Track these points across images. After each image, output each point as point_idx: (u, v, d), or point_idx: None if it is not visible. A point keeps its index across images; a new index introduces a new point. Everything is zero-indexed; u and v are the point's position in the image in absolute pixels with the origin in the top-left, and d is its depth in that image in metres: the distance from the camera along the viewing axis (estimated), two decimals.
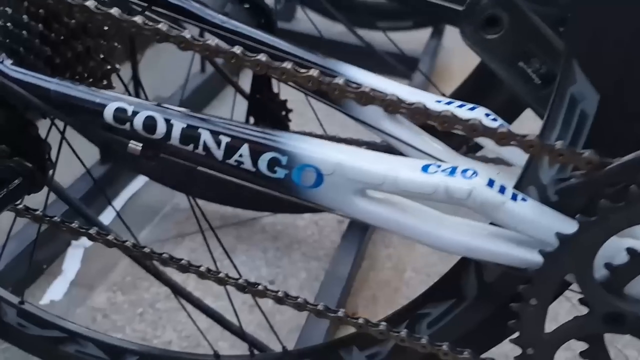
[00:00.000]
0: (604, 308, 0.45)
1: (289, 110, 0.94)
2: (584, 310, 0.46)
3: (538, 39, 0.51)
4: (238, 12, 0.87)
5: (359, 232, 1.09)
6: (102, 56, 0.51)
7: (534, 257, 0.45)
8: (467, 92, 0.89)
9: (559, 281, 0.45)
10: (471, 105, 0.55)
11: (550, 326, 0.47)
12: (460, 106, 0.54)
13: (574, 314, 0.47)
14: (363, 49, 1.04)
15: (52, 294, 0.99)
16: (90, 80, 0.51)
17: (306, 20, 1.17)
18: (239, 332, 0.81)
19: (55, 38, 0.47)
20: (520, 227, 0.45)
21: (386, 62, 1.05)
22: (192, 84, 1.39)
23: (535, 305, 0.46)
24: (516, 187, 0.49)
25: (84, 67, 0.50)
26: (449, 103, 0.55)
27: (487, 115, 0.54)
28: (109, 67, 0.51)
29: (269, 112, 0.93)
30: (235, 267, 0.74)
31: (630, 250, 0.43)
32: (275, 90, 0.94)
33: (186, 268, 0.59)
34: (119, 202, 1.17)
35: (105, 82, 0.52)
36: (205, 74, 1.45)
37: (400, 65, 1.15)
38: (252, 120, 0.93)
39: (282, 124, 0.94)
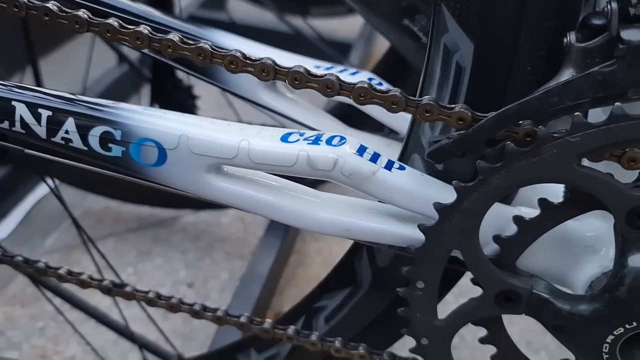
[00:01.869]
0: (497, 287, 0.39)
1: (194, 97, 0.88)
2: (478, 291, 0.41)
3: None
4: None
5: (284, 225, 1.03)
6: None
7: (417, 234, 0.39)
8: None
9: (444, 259, 0.39)
10: (354, 70, 0.49)
11: None
12: (342, 71, 0.49)
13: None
14: (297, 36, 1.01)
15: None
16: None
17: (238, 10, 1.12)
18: (140, 344, 0.74)
19: None
20: (396, 199, 0.39)
21: (319, 48, 1.02)
22: (109, 78, 1.30)
23: (423, 288, 0.41)
24: (400, 156, 0.44)
25: None
26: (328, 68, 0.49)
27: (371, 79, 0.48)
28: None
29: (172, 98, 0.86)
30: (117, 275, 0.65)
31: (517, 219, 0.38)
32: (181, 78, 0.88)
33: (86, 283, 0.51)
34: (24, 206, 1.08)
35: None
36: (123, 68, 1.36)
37: (334, 51, 1.10)
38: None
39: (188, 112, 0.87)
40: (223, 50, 0.36)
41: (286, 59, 0.49)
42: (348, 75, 0.48)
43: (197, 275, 1.00)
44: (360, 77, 0.48)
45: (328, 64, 0.50)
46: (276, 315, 0.95)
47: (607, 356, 0.38)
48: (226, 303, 0.93)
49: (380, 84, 0.48)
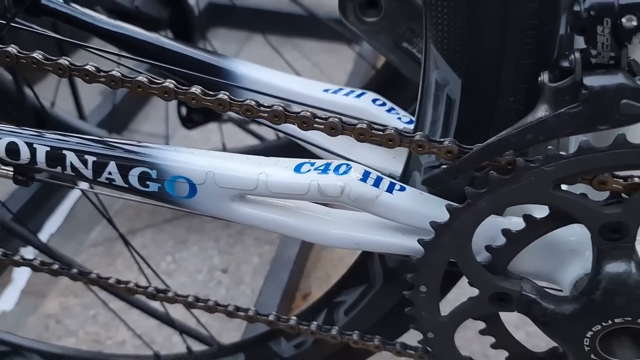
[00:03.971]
0: (490, 289, 0.45)
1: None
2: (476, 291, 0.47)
3: (419, 18, 0.50)
4: (148, 4, 0.85)
5: None
6: None
7: (418, 245, 0.45)
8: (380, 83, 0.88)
9: (443, 267, 0.45)
10: (359, 92, 0.54)
11: None
12: (348, 93, 0.53)
13: None
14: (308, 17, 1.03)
15: (3, 304, 0.99)
16: None
17: None
18: (181, 329, 0.82)
19: None
20: (399, 218, 0.44)
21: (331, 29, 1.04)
22: None
23: (426, 291, 0.46)
24: (403, 173, 0.49)
25: None
26: (336, 92, 0.54)
27: (375, 100, 0.53)
28: None
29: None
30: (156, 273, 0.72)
31: (505, 232, 0.43)
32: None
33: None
34: (67, 203, 1.17)
35: None
36: None
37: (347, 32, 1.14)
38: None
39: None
40: (239, 100, 0.41)
41: (298, 85, 0.54)
42: (353, 98, 0.53)
43: (231, 260, 1.07)
44: (364, 100, 0.52)
45: (336, 87, 0.54)
46: (305, 296, 1.03)
47: (588, 348, 0.43)
48: (258, 286, 1.01)
49: (383, 104, 0.53)
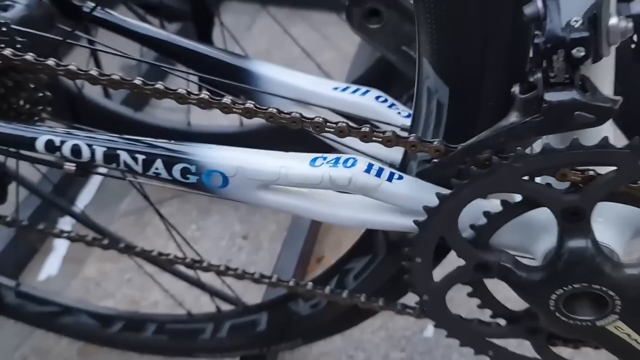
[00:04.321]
0: (473, 260, 0.54)
1: None
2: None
3: (415, 27, 0.57)
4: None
5: None
6: (32, 86, 0.58)
7: (413, 224, 0.54)
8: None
9: (434, 242, 0.53)
10: (364, 90, 0.62)
11: None
12: (354, 91, 0.62)
13: None
14: None
15: (48, 270, 1.11)
16: (28, 106, 0.59)
17: None
18: (210, 291, 0.92)
19: None
20: (397, 202, 0.53)
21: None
22: None
23: (421, 262, 0.55)
24: (401, 163, 0.57)
25: (18, 98, 0.58)
26: (344, 89, 0.62)
27: (378, 97, 0.61)
28: (40, 94, 0.59)
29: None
30: (189, 245, 0.82)
31: (485, 214, 0.51)
32: None
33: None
34: (98, 176, 1.26)
35: (41, 108, 0.59)
36: None
37: None
38: None
39: None
40: (263, 107, 0.50)
41: (311, 84, 0.62)
42: (359, 96, 0.61)
43: (250, 228, 1.17)
44: (368, 97, 0.60)
45: (344, 85, 0.62)
46: (318, 260, 1.13)
47: (553, 308, 0.52)
48: (276, 251, 1.11)
49: (385, 100, 0.61)
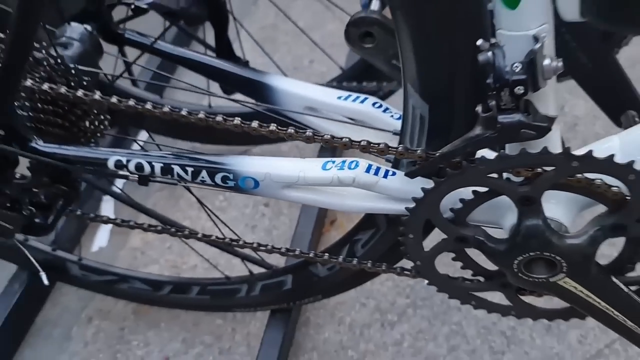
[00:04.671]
0: (454, 235, 0.68)
1: None
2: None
3: None
4: (190, 3, 1.04)
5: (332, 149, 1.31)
6: (95, 111, 0.72)
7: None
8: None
9: (422, 222, 0.68)
10: (363, 97, 0.75)
11: None
12: (354, 100, 0.75)
13: None
14: None
15: (99, 242, 1.28)
16: (92, 127, 0.73)
17: None
18: (242, 256, 1.08)
19: (62, 111, 0.69)
20: (392, 194, 0.68)
21: None
22: None
23: (413, 238, 0.70)
24: (394, 162, 0.71)
25: (85, 122, 0.72)
26: (346, 98, 0.75)
27: (374, 104, 0.75)
28: (102, 117, 0.73)
29: None
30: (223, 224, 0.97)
31: (461, 200, 0.66)
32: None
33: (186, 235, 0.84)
34: None
35: (103, 127, 0.74)
36: None
37: None
38: None
39: None
40: (283, 129, 0.64)
41: (320, 94, 0.76)
42: (358, 104, 0.74)
43: None
44: (366, 105, 0.74)
45: (346, 93, 0.76)
46: (332, 222, 1.28)
47: (516, 269, 0.67)
48: (294, 216, 1.26)
49: (380, 106, 0.75)
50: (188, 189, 1.02)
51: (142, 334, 1.12)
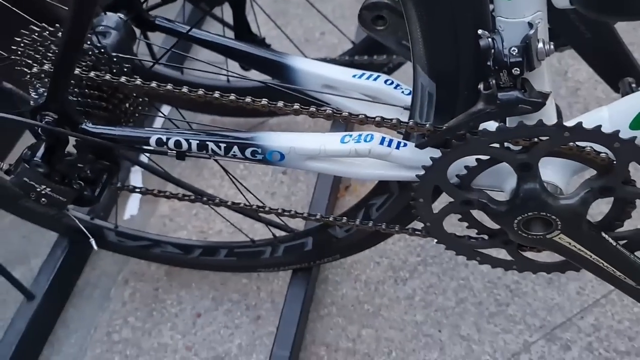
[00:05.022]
0: (459, 198, 0.76)
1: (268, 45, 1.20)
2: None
3: None
4: None
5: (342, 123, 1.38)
6: (135, 95, 0.80)
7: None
8: None
9: (431, 188, 0.76)
10: (376, 75, 0.82)
11: None
12: (368, 77, 0.82)
13: None
14: None
15: (130, 210, 1.37)
16: (132, 109, 0.81)
17: None
18: (266, 221, 1.17)
19: (106, 96, 0.77)
20: (404, 163, 0.76)
21: None
22: None
23: (423, 202, 0.79)
24: (405, 132, 0.79)
25: (126, 104, 0.80)
26: (360, 76, 0.82)
27: (386, 81, 0.82)
28: (140, 99, 0.81)
29: None
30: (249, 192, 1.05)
31: (466, 167, 0.74)
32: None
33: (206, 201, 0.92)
34: None
35: (141, 108, 0.81)
36: None
37: None
38: None
39: None
40: (305, 107, 0.71)
41: (337, 73, 0.83)
42: (371, 81, 0.81)
43: None
44: (379, 82, 0.81)
45: (360, 72, 0.83)
46: (346, 187, 1.36)
47: (516, 227, 0.75)
48: (311, 182, 1.34)
49: (392, 82, 0.82)
50: (217, 160, 1.11)
51: (175, 294, 1.22)
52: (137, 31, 0.90)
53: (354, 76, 0.82)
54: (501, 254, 0.84)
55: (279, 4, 1.78)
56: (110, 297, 1.24)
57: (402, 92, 0.81)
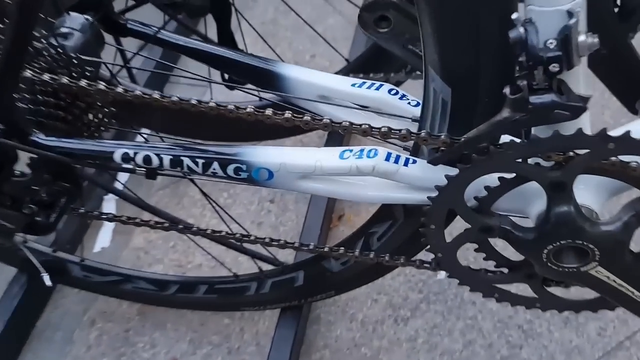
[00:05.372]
0: (478, 225, 0.65)
1: None
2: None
3: (417, 29, 0.67)
4: None
5: (339, 139, 1.27)
6: (99, 104, 0.69)
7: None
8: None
9: (445, 212, 0.65)
10: (378, 84, 0.72)
11: None
12: (369, 87, 0.72)
13: None
14: None
15: (101, 242, 1.24)
16: (96, 120, 0.70)
17: None
18: (251, 253, 1.05)
19: (64, 104, 0.65)
20: (413, 182, 0.65)
21: None
22: None
23: (434, 228, 0.67)
24: (414, 147, 0.68)
25: (89, 115, 0.68)
26: (360, 85, 0.72)
27: (390, 91, 0.71)
28: (106, 109, 0.69)
29: None
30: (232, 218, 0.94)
31: (486, 188, 0.63)
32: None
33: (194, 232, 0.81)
34: None
35: (106, 120, 0.70)
36: None
37: None
38: None
39: None
40: (299, 117, 0.60)
41: (333, 82, 0.73)
42: (373, 91, 0.71)
43: (276, 192, 1.29)
44: (382, 92, 0.71)
45: (361, 81, 0.72)
46: (339, 217, 1.25)
47: (545, 259, 0.64)
48: (301, 212, 1.23)
49: (396, 93, 0.71)
50: (194, 182, 1.00)
51: (148, 336, 1.09)
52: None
53: (354, 85, 0.72)
54: (522, 289, 0.73)
55: (267, 26, 1.70)
56: (74, 340, 1.10)
57: (409, 103, 0.71)
